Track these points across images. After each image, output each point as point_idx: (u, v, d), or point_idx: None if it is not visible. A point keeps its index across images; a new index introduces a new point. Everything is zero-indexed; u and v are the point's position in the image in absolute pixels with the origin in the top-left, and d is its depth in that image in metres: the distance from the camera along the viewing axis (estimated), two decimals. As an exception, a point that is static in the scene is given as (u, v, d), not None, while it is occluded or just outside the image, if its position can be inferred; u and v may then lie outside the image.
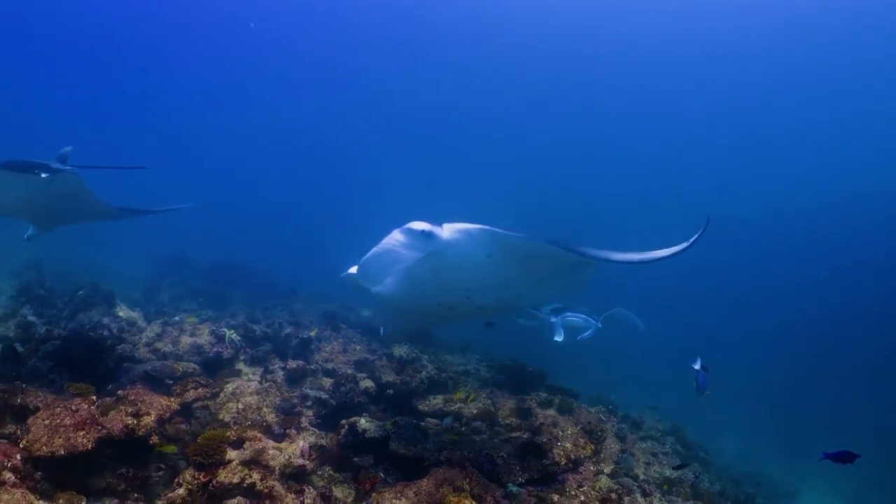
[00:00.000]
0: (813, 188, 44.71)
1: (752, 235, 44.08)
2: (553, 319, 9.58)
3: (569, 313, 10.00)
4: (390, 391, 8.67)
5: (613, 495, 7.03)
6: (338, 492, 6.09)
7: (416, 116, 48.98)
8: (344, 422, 7.35)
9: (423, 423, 7.82)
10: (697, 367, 7.20)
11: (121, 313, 10.44)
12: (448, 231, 4.77)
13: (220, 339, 9.08)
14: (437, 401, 8.84)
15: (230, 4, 37.42)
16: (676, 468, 9.16)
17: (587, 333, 10.25)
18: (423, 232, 4.77)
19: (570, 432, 8.08)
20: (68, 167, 6.82)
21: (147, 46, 41.72)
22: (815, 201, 44.87)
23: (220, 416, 7.37)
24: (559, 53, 38.97)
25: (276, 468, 6.13)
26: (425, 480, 5.93)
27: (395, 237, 4.84)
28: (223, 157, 52.10)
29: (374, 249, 4.94)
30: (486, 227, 4.71)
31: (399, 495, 5.81)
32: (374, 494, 5.89)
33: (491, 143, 49.06)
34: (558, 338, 9.12)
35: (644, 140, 46.59)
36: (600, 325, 10.41)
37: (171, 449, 6.44)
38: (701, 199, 44.92)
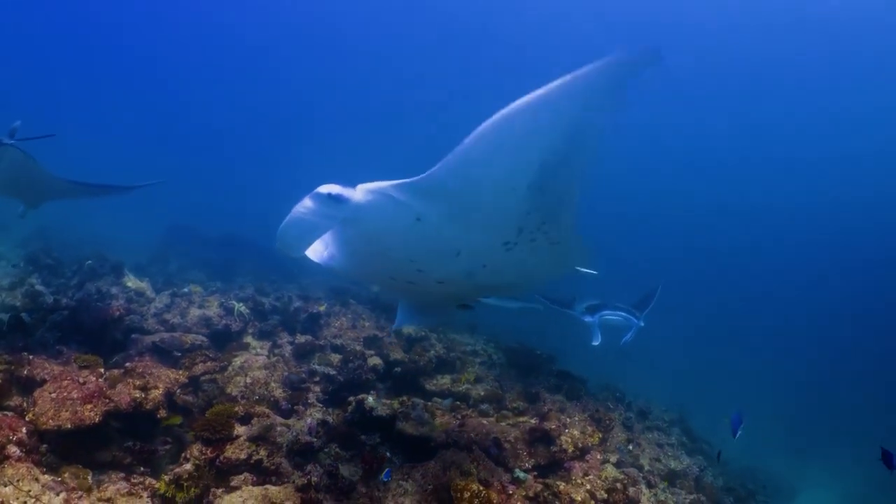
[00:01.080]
0: (817, 183, 44.45)
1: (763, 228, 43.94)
2: (588, 319, 8.83)
3: (607, 311, 8.96)
4: (398, 369, 8.63)
5: (619, 485, 6.95)
6: (344, 470, 6.03)
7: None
8: (351, 399, 7.30)
9: (430, 403, 7.78)
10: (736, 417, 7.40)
11: (129, 283, 10.35)
12: (360, 193, 4.05)
13: (230, 311, 9.04)
14: (444, 381, 8.80)
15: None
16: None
17: (630, 335, 9.01)
18: (329, 196, 4.07)
19: (577, 419, 8.02)
20: (11, 141, 6.65)
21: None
22: (822, 197, 44.61)
23: (228, 390, 7.33)
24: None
25: (284, 445, 6.10)
26: (432, 462, 5.91)
27: (305, 203, 4.12)
28: (232, 131, 51.98)
29: (287, 217, 4.32)
30: (403, 180, 3.84)
31: (406, 476, 5.79)
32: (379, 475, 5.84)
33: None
34: (595, 341, 8.51)
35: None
36: (643, 324, 9.14)
37: (176, 420, 6.43)
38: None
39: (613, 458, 7.87)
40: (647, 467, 8.60)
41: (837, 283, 39.33)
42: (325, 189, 4.01)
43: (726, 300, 35.45)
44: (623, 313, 9.03)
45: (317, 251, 4.70)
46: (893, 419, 19.11)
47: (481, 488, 5.68)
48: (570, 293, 9.49)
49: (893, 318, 33.17)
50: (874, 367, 27.74)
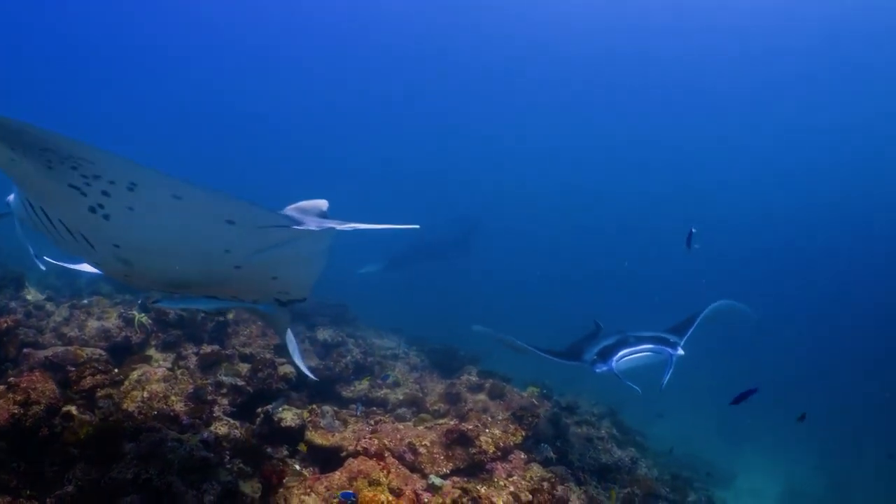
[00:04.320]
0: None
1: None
2: (601, 369, 7.12)
3: (625, 350, 7.10)
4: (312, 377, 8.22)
5: (545, 484, 6.68)
6: (246, 487, 5.61)
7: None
8: (260, 410, 6.87)
9: (343, 411, 7.41)
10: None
11: (29, 296, 9.74)
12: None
13: (129, 322, 8.47)
14: (362, 386, 8.44)
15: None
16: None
17: (667, 373, 7.04)
18: None
19: (500, 418, 7.75)
20: None
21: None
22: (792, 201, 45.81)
23: (125, 406, 6.80)
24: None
25: (176, 461, 5.62)
26: (338, 473, 5.54)
27: None
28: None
29: None
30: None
31: (309, 490, 5.40)
32: (280, 490, 5.44)
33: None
34: (632, 387, 6.99)
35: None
36: (682, 352, 7.21)
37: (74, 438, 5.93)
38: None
39: (540, 457, 7.63)
40: (576, 463, 8.38)
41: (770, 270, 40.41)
42: None
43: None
44: (649, 345, 7.20)
45: None
46: (833, 403, 19.58)
47: (391, 498, 5.33)
48: (588, 329, 8.15)
49: (819, 293, 34.38)
50: (812, 346, 28.51)
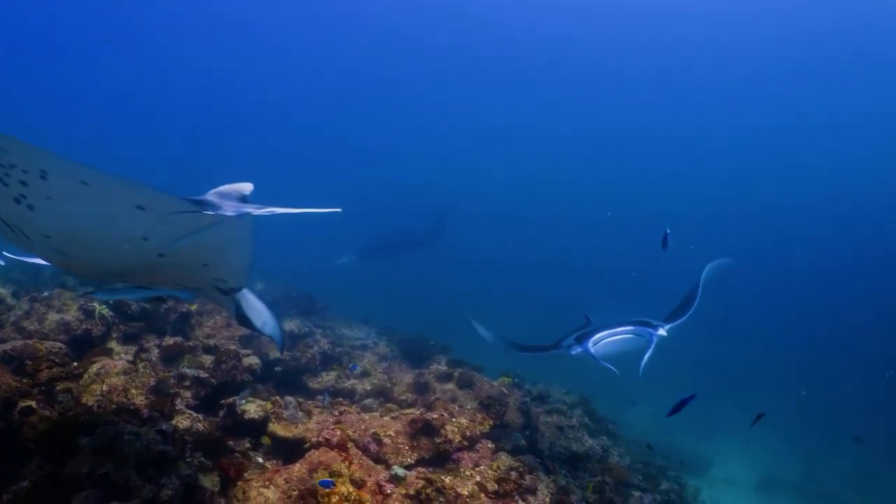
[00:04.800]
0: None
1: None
2: (576, 350, 6.90)
3: (602, 332, 6.85)
4: (278, 368, 8.13)
5: (513, 474, 6.63)
6: (206, 481, 5.51)
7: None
8: (223, 402, 6.77)
9: (309, 402, 7.32)
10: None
11: (-9, 292, 9.53)
12: None
13: (90, 314, 8.28)
14: (329, 377, 8.34)
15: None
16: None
17: (648, 354, 6.72)
18: None
19: (469, 407, 7.69)
20: None
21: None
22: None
23: (84, 400, 6.64)
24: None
25: (133, 455, 5.50)
26: (297, 465, 5.46)
27: None
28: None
29: None
30: None
31: (268, 483, 5.32)
32: (239, 483, 5.34)
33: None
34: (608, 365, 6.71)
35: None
36: (664, 333, 6.93)
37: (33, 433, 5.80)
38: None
39: (508, 446, 7.57)
40: (546, 452, 8.35)
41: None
42: None
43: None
44: (629, 327, 6.92)
45: None
46: (807, 387, 19.75)
47: (352, 490, 5.26)
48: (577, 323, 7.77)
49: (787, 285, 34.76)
50: (781, 334, 28.77)
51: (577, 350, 6.87)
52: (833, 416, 19.78)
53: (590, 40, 39.69)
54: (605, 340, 6.83)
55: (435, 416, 6.93)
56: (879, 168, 41.79)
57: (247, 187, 4.44)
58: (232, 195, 4.31)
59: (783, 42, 34.99)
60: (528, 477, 6.82)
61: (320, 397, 7.78)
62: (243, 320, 5.37)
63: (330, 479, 5.34)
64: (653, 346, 6.74)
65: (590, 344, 6.79)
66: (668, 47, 38.93)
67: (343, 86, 48.23)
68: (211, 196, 4.27)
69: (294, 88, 49.17)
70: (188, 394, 7.20)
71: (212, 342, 8.41)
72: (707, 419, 18.46)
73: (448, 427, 6.83)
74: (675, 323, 7.29)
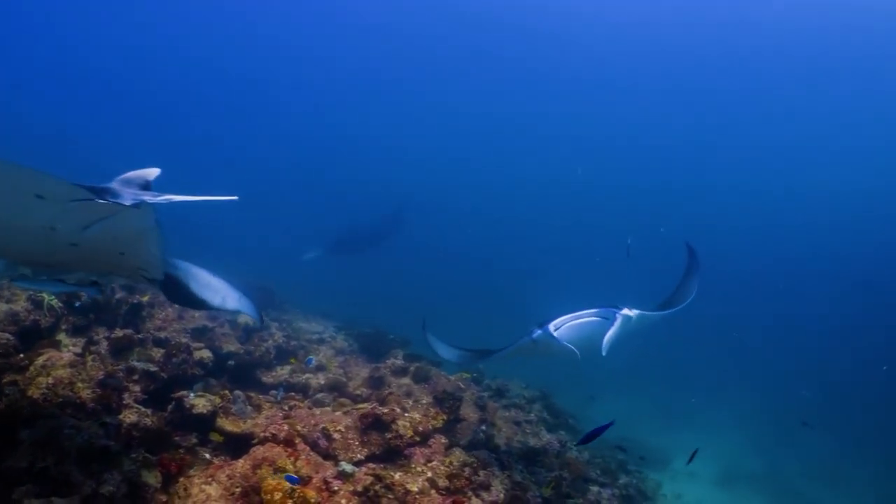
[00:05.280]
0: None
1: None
2: (536, 333, 6.63)
3: (566, 317, 6.52)
4: (231, 362, 8.02)
5: (467, 469, 6.61)
6: (150, 477, 5.41)
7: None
8: (173, 396, 6.66)
9: (260, 396, 7.23)
10: None
11: (-58, 284, 9.27)
12: None
13: (38, 305, 8.10)
14: (283, 371, 8.26)
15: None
16: None
17: (610, 335, 6.36)
18: None
19: (424, 402, 7.65)
20: None
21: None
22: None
23: (30, 393, 6.49)
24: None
25: (73, 450, 5.39)
26: (241, 461, 5.41)
27: None
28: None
29: None
30: None
31: (210, 479, 5.26)
32: (182, 479, 5.25)
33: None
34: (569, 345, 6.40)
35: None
36: (629, 314, 6.58)
37: None
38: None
39: (463, 441, 7.55)
40: (502, 447, 8.33)
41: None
42: None
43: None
44: (594, 310, 6.55)
45: None
46: (768, 381, 19.98)
47: (296, 486, 5.18)
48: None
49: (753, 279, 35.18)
50: (738, 326, 29.03)
51: (537, 333, 6.61)
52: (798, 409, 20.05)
53: (576, 40, 39.71)
54: (569, 324, 6.52)
55: (386, 410, 6.88)
56: (880, 168, 42.34)
57: (151, 173, 4.33)
58: (135, 181, 4.22)
59: (783, 42, 35.29)
60: (482, 472, 6.81)
61: (274, 392, 7.70)
62: (196, 303, 5.21)
63: (296, 476, 5.29)
64: (616, 324, 6.42)
65: (551, 327, 6.51)
66: (661, 48, 38.98)
67: (327, 81, 47.76)
68: (114, 184, 4.16)
69: (277, 80, 48.57)
70: (137, 388, 7.06)
71: (162, 335, 8.25)
72: (672, 414, 18.62)
73: (400, 422, 6.79)
74: (667, 312, 7.22)
